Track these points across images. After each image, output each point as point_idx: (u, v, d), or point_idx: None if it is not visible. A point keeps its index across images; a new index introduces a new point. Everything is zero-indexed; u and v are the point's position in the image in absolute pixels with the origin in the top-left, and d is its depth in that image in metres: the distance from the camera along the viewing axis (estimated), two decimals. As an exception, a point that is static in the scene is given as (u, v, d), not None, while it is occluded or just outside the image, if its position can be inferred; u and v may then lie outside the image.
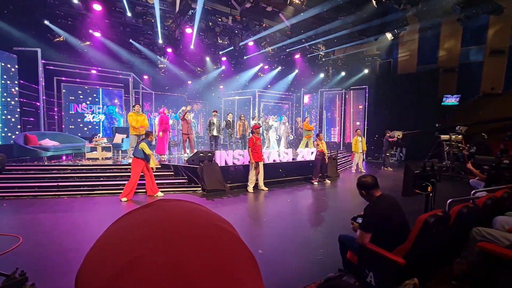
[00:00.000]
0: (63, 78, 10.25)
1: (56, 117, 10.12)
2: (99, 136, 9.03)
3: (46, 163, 6.95)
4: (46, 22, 8.78)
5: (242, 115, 10.72)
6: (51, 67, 9.58)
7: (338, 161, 9.67)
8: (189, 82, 15.95)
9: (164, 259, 0.30)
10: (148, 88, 13.82)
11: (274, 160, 7.68)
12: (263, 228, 4.51)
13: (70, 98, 10.46)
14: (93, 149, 8.11)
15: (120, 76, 11.13)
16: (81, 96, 10.67)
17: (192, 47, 10.88)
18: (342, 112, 13.79)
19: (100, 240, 0.36)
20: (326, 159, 7.98)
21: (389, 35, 10.03)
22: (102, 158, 7.93)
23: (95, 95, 10.94)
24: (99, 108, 10.99)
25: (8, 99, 7.65)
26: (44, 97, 8.99)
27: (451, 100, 11.83)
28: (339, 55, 14.07)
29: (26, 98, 8.41)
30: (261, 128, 9.35)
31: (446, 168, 8.53)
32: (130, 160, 6.17)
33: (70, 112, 10.49)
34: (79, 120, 10.63)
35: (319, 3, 8.58)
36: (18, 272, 1.80)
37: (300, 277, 2.85)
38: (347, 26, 9.79)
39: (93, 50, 10.58)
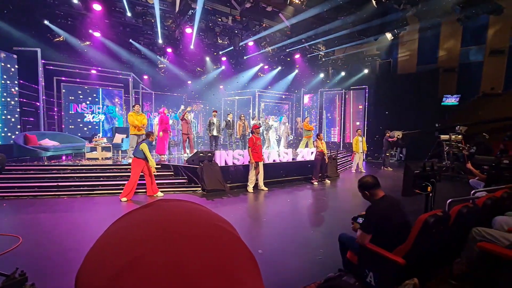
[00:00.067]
0: (63, 78, 10.25)
1: (56, 117, 10.13)
2: (99, 136, 9.04)
3: (46, 163, 6.95)
4: (46, 22, 8.78)
5: (242, 115, 10.72)
6: (51, 67, 9.58)
7: (338, 161, 9.67)
8: (189, 82, 15.96)
9: (164, 259, 0.30)
10: (148, 88, 13.83)
11: (274, 160, 7.67)
12: (263, 228, 4.51)
13: (70, 98, 10.46)
14: (93, 149, 8.12)
15: (120, 76, 11.13)
16: (81, 96, 10.67)
17: (192, 47, 10.88)
18: (342, 112, 13.79)
19: (100, 240, 0.36)
20: (326, 159, 7.99)
21: (389, 35, 10.03)
22: (102, 158, 7.93)
23: (95, 95, 10.94)
24: (99, 108, 11.00)
25: (8, 99, 7.65)
26: (44, 97, 8.99)
27: (451, 100, 11.83)
28: (339, 55, 14.07)
29: (26, 98, 8.41)
30: (261, 128, 9.35)
31: (446, 168, 8.53)
32: (130, 160, 6.17)
33: (70, 112, 10.49)
34: (78, 120, 10.63)
35: (319, 3, 8.58)
36: (18, 272, 1.79)
37: (300, 277, 2.85)
38: (347, 26, 9.79)
39: (93, 50, 10.58)
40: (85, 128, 10.69)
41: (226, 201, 5.91)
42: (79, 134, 9.63)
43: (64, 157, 8.21)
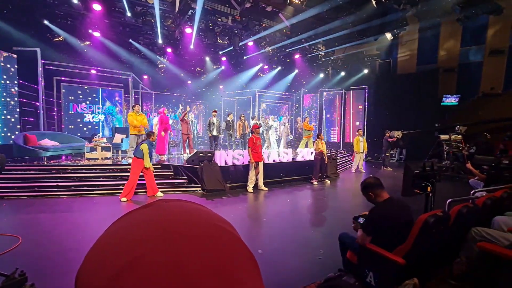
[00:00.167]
0: (63, 78, 10.24)
1: (55, 117, 10.12)
2: (98, 136, 9.03)
3: (45, 163, 6.94)
4: (45, 22, 8.77)
5: (242, 115, 10.72)
6: (51, 67, 9.57)
7: (337, 161, 9.67)
8: (189, 82, 15.96)
9: (164, 259, 0.30)
10: (148, 88, 13.82)
11: (274, 160, 7.68)
12: (263, 228, 4.51)
13: (70, 98, 10.46)
14: (93, 149, 8.12)
15: (120, 76, 11.12)
16: (80, 96, 10.66)
17: (192, 47, 10.88)
18: (342, 112, 13.79)
19: (100, 240, 0.36)
20: (326, 159, 7.99)
21: (388, 35, 10.04)
22: (102, 158, 7.93)
23: (94, 95, 10.94)
24: (98, 108, 10.99)
25: (8, 99, 7.64)
26: (43, 97, 8.98)
27: (450, 100, 11.84)
28: (339, 55, 14.08)
29: (25, 98, 8.41)
30: (261, 128, 9.36)
31: (446, 168, 8.53)
32: (130, 160, 6.16)
33: (70, 112, 10.48)
34: (78, 120, 10.63)
35: (319, 3, 8.59)
36: (18, 272, 1.79)
37: (300, 277, 2.85)
38: (347, 26, 9.79)
39: (93, 50, 10.58)
40: (85, 128, 10.68)
41: (226, 201, 5.91)
42: (79, 134, 9.62)
43: (64, 157, 8.20)
